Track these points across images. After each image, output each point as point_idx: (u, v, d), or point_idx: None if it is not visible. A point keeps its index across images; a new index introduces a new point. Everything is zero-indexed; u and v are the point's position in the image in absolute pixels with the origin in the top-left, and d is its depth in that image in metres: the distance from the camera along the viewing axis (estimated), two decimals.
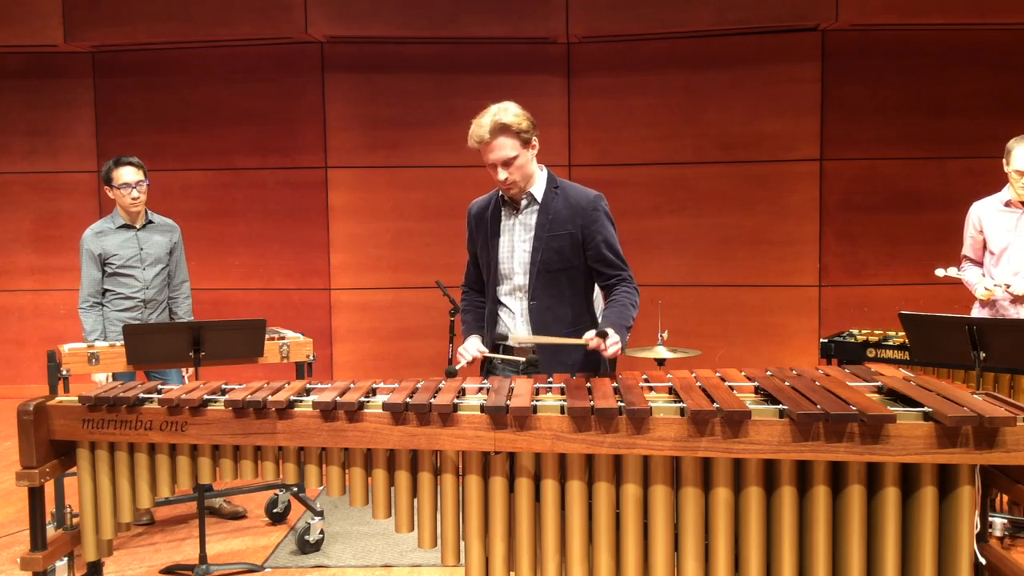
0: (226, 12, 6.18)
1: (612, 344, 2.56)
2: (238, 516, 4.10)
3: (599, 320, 2.85)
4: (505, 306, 2.80)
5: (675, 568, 2.09)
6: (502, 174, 2.68)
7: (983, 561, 1.99)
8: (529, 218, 2.77)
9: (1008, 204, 3.82)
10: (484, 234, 2.84)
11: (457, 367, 2.66)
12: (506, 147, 2.65)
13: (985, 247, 3.94)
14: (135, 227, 4.07)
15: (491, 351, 2.80)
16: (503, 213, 2.82)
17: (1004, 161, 3.75)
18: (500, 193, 2.82)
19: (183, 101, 6.61)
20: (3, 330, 6.86)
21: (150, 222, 4.13)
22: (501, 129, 2.64)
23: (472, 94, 6.41)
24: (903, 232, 6.20)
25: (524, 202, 2.78)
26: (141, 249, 4.05)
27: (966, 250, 4.04)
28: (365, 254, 6.60)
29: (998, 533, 3.40)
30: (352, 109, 6.53)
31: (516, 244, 2.78)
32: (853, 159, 6.25)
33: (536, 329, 2.73)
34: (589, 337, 2.58)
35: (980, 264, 4.01)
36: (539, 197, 2.76)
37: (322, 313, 6.65)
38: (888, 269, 6.22)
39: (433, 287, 5.05)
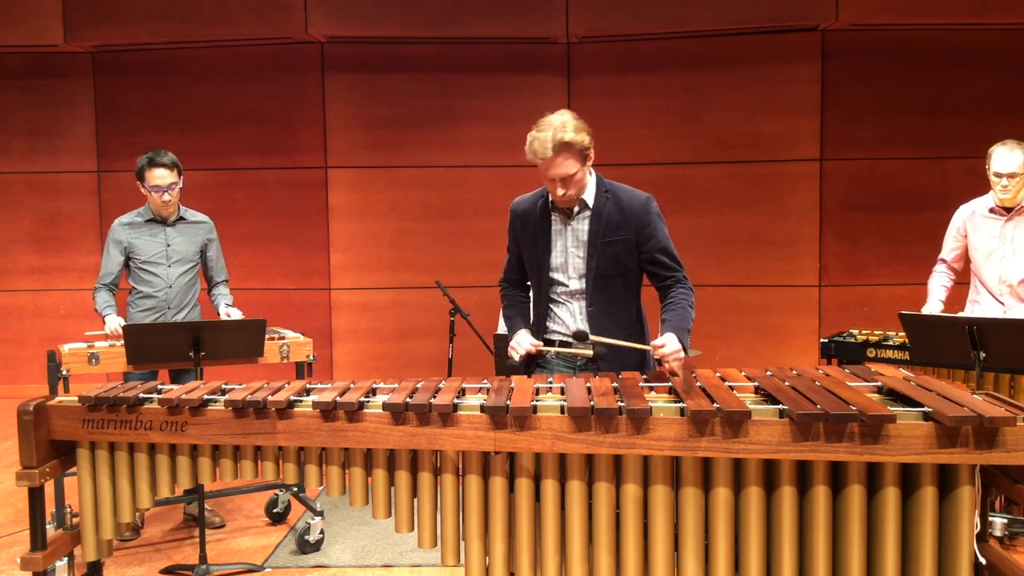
0: (226, 12, 6.18)
1: (677, 352, 2.58)
2: (215, 526, 3.97)
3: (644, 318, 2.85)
4: (563, 305, 2.76)
5: (675, 568, 2.09)
6: (560, 190, 2.62)
7: (983, 561, 1.99)
8: (581, 224, 2.72)
9: (992, 211, 3.81)
10: (531, 238, 2.78)
11: (517, 357, 2.66)
12: (567, 165, 2.59)
13: (966, 254, 3.94)
14: (165, 223, 3.95)
15: (545, 345, 2.77)
16: (553, 218, 2.75)
17: (986, 165, 3.73)
18: (547, 194, 2.75)
19: (183, 101, 6.61)
20: (3, 330, 6.85)
21: (181, 219, 3.98)
22: (563, 147, 2.56)
23: (472, 94, 6.42)
24: (903, 232, 6.19)
25: (576, 208, 2.72)
26: (168, 246, 3.93)
27: (944, 253, 4.02)
28: (365, 254, 6.60)
29: (998, 533, 3.40)
30: (352, 109, 6.52)
31: (570, 251, 2.73)
32: (853, 159, 6.25)
33: (596, 333, 2.69)
34: (656, 344, 2.59)
35: (955, 270, 4.01)
36: (590, 202, 2.71)
37: (322, 313, 6.65)
38: (888, 269, 6.22)
39: (433, 287, 5.05)
